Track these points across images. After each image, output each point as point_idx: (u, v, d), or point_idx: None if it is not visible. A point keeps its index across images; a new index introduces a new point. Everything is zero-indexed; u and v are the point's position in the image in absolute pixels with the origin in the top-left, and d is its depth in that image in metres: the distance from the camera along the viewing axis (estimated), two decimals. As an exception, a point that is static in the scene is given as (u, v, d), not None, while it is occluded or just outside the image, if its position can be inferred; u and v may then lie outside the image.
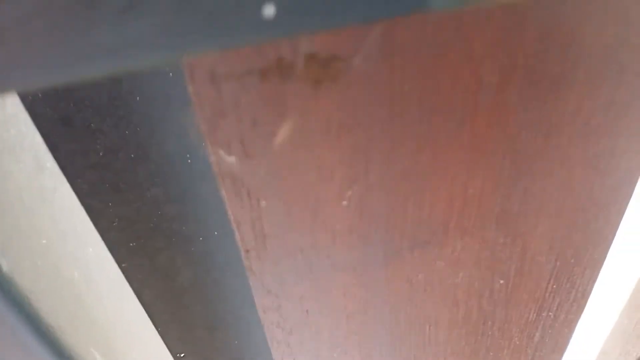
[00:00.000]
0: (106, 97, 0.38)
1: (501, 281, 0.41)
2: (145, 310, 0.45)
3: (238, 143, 0.26)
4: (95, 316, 0.32)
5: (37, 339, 0.25)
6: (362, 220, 0.32)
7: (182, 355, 0.52)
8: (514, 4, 0.24)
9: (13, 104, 0.28)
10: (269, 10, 0.15)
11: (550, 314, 0.46)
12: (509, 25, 0.25)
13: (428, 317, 0.42)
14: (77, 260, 0.32)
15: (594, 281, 0.45)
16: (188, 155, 0.43)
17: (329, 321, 0.39)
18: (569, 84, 0.29)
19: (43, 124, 0.33)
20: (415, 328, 0.43)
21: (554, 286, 0.43)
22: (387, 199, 0.31)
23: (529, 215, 0.36)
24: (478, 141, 0.30)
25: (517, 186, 0.33)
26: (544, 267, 0.41)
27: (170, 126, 0.41)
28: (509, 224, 0.36)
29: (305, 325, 0.39)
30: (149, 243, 0.45)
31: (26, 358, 0.26)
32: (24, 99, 0.30)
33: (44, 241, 0.28)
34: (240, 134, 0.26)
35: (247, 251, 0.32)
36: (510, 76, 0.27)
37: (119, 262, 0.39)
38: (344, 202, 0.31)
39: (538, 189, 0.34)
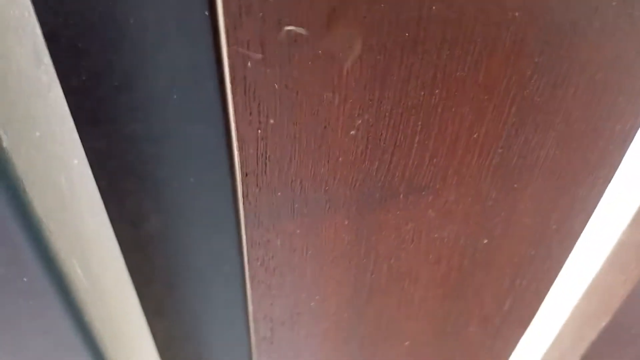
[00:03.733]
0: (97, 15, 0.36)
1: (485, 241, 0.41)
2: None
3: (258, 45, 0.25)
4: (78, 228, 0.31)
5: (26, 231, 0.24)
6: (366, 155, 0.32)
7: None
8: None
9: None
10: None
11: (523, 281, 0.47)
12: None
13: (409, 273, 0.42)
14: (64, 166, 0.30)
15: (569, 253, 0.46)
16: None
17: (313, 264, 0.38)
18: (584, 33, 0.29)
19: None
20: (394, 283, 0.43)
21: (532, 252, 0.44)
22: (394, 132, 0.31)
23: (524, 170, 0.36)
24: (492, 81, 0.30)
25: (519, 136, 0.33)
26: (526, 230, 0.42)
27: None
28: (505, 177, 0.36)
29: (288, 267, 0.38)
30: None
31: (8, 250, 0.24)
32: None
33: (38, 134, 0.26)
34: (261, 35, 0.25)
35: (245, 175, 0.31)
36: (530, 15, 0.27)
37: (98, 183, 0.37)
38: (352, 132, 0.30)
39: (537, 142, 0.34)
